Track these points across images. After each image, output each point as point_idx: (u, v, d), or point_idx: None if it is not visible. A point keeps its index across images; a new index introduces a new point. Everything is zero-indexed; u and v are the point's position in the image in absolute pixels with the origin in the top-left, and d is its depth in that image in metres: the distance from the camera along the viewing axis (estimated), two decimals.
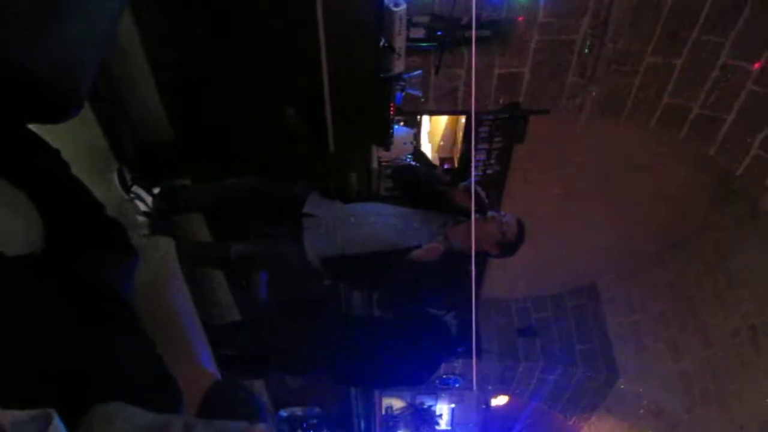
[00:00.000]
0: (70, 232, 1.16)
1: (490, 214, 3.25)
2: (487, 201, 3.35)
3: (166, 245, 2.03)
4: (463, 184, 3.41)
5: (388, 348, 3.48)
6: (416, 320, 3.58)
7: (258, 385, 4.79)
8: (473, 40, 4.97)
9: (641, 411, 8.66)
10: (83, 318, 1.08)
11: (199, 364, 2.06)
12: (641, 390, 8.58)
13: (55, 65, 1.12)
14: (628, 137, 6.95)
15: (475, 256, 3.13)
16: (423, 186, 3.47)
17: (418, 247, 3.16)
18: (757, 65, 5.06)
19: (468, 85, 5.55)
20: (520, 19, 5.38)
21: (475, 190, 3.29)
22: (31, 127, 1.25)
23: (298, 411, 5.46)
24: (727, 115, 5.51)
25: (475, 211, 3.22)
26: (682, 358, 8.02)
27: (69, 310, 1.07)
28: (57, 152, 1.26)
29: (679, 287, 8.17)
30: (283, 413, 5.28)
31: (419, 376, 3.92)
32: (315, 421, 5.54)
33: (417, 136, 6.03)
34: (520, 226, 3.25)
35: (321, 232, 3.21)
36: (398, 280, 3.21)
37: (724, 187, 7.31)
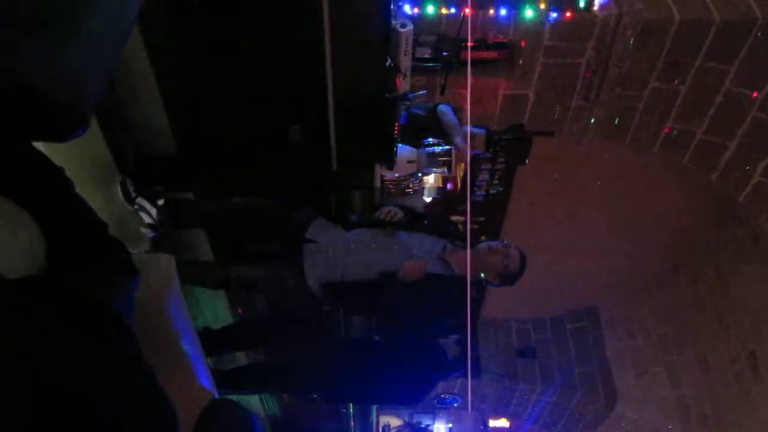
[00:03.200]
0: (72, 253, 1.16)
1: (495, 245, 3.26)
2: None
3: (167, 263, 2.03)
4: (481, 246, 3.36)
5: (382, 366, 3.47)
6: (412, 341, 3.58)
7: (255, 405, 4.77)
8: (469, 61, 5.00)
9: None
10: (82, 340, 1.08)
11: (196, 382, 2.05)
12: (639, 414, 8.53)
13: (63, 84, 1.12)
14: (631, 161, 6.97)
15: (476, 285, 3.13)
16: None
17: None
18: (755, 95, 5.09)
19: (472, 105, 5.57)
20: (523, 42, 5.42)
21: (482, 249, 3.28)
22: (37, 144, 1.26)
23: None
24: (730, 142, 5.53)
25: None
26: (681, 383, 7.98)
27: (69, 332, 1.06)
28: (61, 170, 1.26)
29: (679, 311, 8.15)
30: None
31: (412, 396, 3.91)
32: None
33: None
34: (523, 258, 3.26)
35: (321, 258, 3.23)
36: (397, 307, 3.21)
37: (726, 213, 7.31)
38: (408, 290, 3.13)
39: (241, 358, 4.14)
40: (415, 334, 3.52)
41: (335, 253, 3.23)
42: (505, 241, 3.35)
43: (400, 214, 3.38)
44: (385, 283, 3.13)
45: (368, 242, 3.26)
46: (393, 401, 3.81)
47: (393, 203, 3.71)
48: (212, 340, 3.57)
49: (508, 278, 3.26)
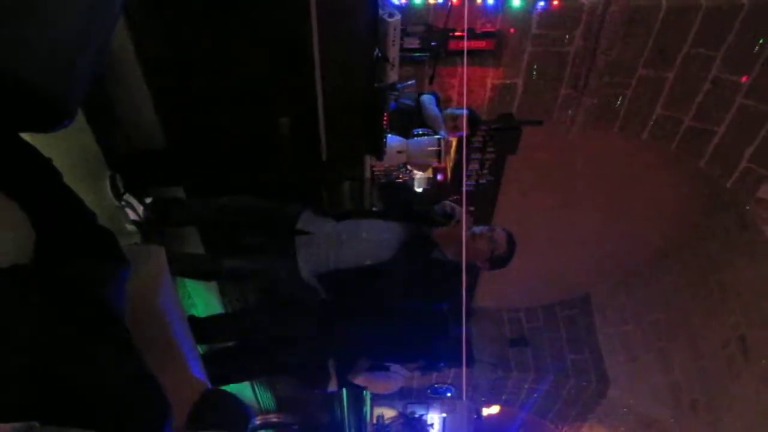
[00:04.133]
0: (61, 242, 1.16)
1: (479, 230, 3.26)
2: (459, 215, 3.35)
3: (158, 254, 2.03)
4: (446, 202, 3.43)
5: (381, 324, 3.44)
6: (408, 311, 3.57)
7: (248, 396, 4.77)
8: (465, 50, 5.01)
9: (632, 421, 8.68)
10: (72, 330, 1.08)
11: (189, 372, 2.06)
12: (632, 400, 8.59)
13: (49, 73, 1.12)
14: (620, 148, 7.00)
15: (466, 269, 3.14)
16: (403, 202, 3.54)
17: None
18: (744, 78, 5.12)
19: (462, 95, 5.58)
20: (512, 30, 5.43)
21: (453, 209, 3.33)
22: (23, 134, 1.25)
23: (273, 418, 5.31)
24: (717, 128, 5.56)
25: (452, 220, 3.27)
26: (672, 368, 8.04)
27: (58, 322, 1.06)
28: (49, 160, 1.25)
29: (670, 298, 8.20)
30: (255, 421, 5.02)
31: (416, 351, 3.84)
32: (296, 428, 5.41)
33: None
34: (510, 240, 3.26)
35: (313, 250, 3.23)
36: (391, 291, 3.22)
37: (715, 199, 7.36)
38: (402, 276, 3.15)
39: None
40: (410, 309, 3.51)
41: (327, 244, 3.24)
42: (490, 225, 3.36)
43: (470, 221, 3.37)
44: (377, 270, 3.15)
45: (360, 232, 3.27)
46: (396, 358, 3.74)
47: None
48: (200, 330, 3.55)
49: (498, 261, 3.27)
